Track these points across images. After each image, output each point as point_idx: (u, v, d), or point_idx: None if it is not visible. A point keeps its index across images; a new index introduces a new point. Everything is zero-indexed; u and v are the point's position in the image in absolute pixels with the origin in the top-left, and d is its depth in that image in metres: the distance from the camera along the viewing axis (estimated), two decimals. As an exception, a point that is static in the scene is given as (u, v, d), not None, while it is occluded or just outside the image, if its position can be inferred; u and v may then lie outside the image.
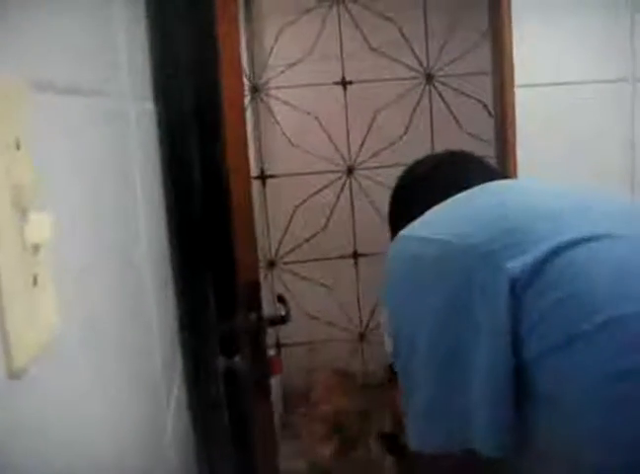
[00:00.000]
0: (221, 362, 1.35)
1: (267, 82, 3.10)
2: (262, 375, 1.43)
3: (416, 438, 1.11)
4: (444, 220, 1.11)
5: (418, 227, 1.13)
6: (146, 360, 0.91)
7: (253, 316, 1.39)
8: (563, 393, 0.94)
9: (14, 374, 0.38)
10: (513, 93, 2.62)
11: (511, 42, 2.51)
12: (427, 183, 1.30)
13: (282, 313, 1.53)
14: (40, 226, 0.41)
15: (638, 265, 0.96)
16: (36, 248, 0.41)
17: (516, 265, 0.94)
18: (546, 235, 0.98)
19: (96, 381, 0.60)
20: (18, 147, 0.39)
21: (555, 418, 0.96)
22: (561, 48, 2.40)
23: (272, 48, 3.09)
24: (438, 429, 1.07)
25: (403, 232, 1.14)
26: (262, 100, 3.11)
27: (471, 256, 1.00)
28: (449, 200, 1.14)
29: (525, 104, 2.60)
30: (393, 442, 2.59)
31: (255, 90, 3.09)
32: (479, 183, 1.19)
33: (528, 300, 0.94)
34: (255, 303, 1.41)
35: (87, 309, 0.57)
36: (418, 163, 1.41)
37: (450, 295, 1.01)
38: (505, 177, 1.36)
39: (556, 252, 0.95)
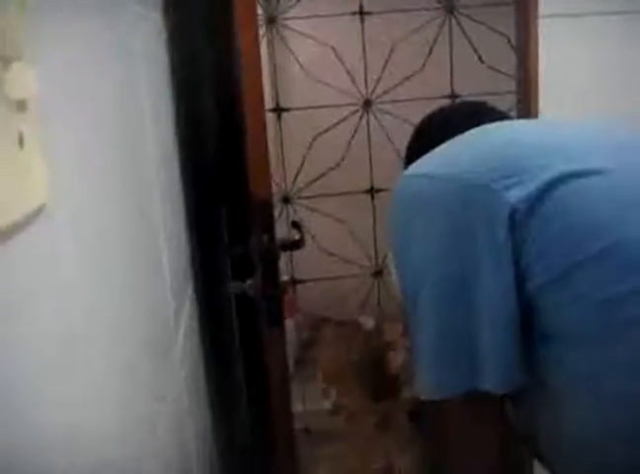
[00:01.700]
0: (234, 286, 1.33)
1: (283, 12, 3.03)
2: (275, 299, 1.41)
3: (425, 383, 1.09)
4: (443, 157, 1.11)
5: (417, 166, 1.13)
6: (153, 273, 0.88)
7: (266, 238, 1.36)
8: (566, 324, 0.95)
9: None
10: (536, 24, 2.55)
11: (536, -32, 2.43)
12: (442, 132, 1.27)
13: (296, 237, 1.50)
14: (27, 80, 0.37)
15: (634, 194, 0.96)
16: (20, 104, 0.37)
17: (516, 194, 0.95)
18: (546, 166, 0.97)
19: (84, 274, 0.57)
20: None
21: (562, 351, 0.96)
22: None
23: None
24: (446, 366, 1.06)
25: (405, 172, 1.14)
26: (277, 31, 3.04)
27: (471, 189, 1.00)
28: (450, 141, 1.14)
29: (549, 36, 2.53)
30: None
31: (270, 21, 3.02)
32: None
33: (528, 231, 0.95)
34: (268, 225, 1.38)
35: (85, 199, 0.54)
36: (434, 113, 1.41)
37: (452, 229, 1.01)
38: None
39: (554, 184, 0.95)
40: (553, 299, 0.95)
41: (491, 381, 1.01)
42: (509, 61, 3.02)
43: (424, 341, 1.07)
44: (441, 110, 1.43)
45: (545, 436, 1.08)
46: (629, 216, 0.94)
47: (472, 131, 1.14)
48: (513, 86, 2.94)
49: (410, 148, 1.38)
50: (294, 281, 3.20)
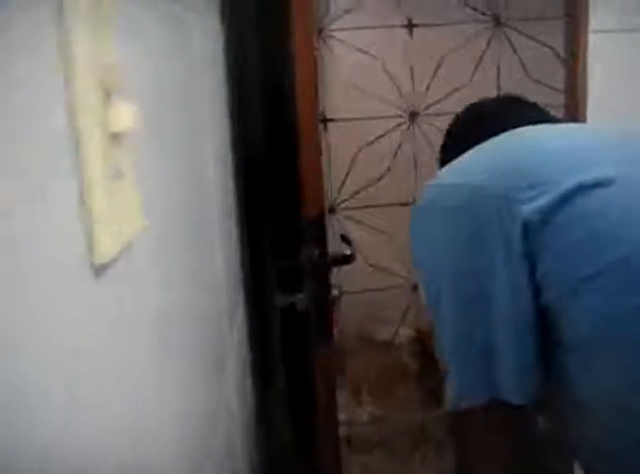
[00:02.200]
0: (284, 299, 1.34)
1: (330, 23, 3.04)
2: (325, 313, 1.41)
3: (450, 394, 1.08)
4: (462, 167, 1.11)
5: (440, 176, 1.13)
6: (212, 288, 0.89)
7: (317, 252, 1.37)
8: (581, 336, 0.95)
9: (98, 269, 0.36)
10: (586, 38, 2.53)
11: (587, -16, 2.42)
12: (472, 128, 1.29)
13: (347, 252, 1.50)
14: (125, 114, 0.38)
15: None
16: (118, 137, 0.38)
17: (530, 206, 0.95)
18: (561, 178, 0.97)
19: (163, 292, 0.58)
20: (107, 23, 0.36)
21: (577, 364, 0.97)
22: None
23: (336, -10, 3.02)
24: (466, 376, 1.06)
25: (429, 182, 1.13)
26: (324, 41, 3.05)
27: (487, 199, 1.00)
28: (475, 148, 1.13)
29: (599, 50, 2.51)
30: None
31: (318, 31, 3.03)
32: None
33: (542, 243, 0.95)
34: (319, 239, 1.39)
35: (160, 218, 0.56)
36: (474, 104, 1.40)
37: (468, 239, 1.02)
38: (558, 122, 1.30)
39: (568, 197, 0.95)
40: (567, 310, 0.96)
41: (509, 391, 1.01)
42: (556, 75, 3.00)
43: (446, 347, 1.08)
44: (471, 106, 1.42)
45: (575, 445, 1.08)
46: (629, 233, 0.93)
47: (493, 140, 1.13)
48: (559, 100, 2.93)
49: (443, 147, 1.38)
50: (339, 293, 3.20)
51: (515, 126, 1.15)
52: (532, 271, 0.96)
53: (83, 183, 0.34)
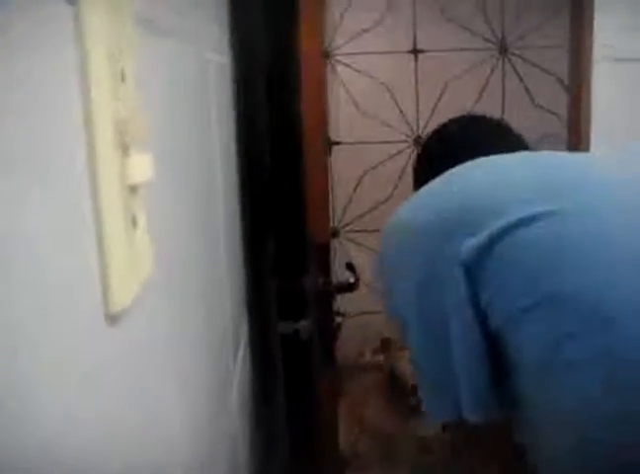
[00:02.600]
0: (287, 326, 1.34)
1: (337, 48, 3.07)
2: (327, 341, 1.41)
3: (425, 409, 1.19)
4: (418, 203, 1.18)
5: (397, 211, 1.20)
6: (218, 317, 0.90)
7: (321, 280, 1.37)
8: (526, 363, 1.02)
9: (112, 318, 0.37)
10: (590, 67, 2.55)
11: (592, 14, 2.44)
12: (448, 145, 1.37)
13: (351, 280, 1.51)
14: (142, 165, 0.39)
15: (579, 240, 0.99)
16: (134, 188, 0.39)
17: (469, 244, 1.01)
18: (497, 215, 1.02)
19: (174, 333, 0.59)
20: (123, 79, 0.37)
21: (530, 385, 1.03)
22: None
23: (343, 14, 3.04)
24: (434, 398, 1.17)
25: (390, 219, 1.21)
26: (331, 66, 3.08)
27: (436, 238, 1.07)
28: (426, 186, 1.19)
29: (603, 79, 2.53)
30: None
31: (325, 56, 3.06)
32: (496, 150, 1.22)
33: (481, 278, 1.02)
34: (324, 267, 1.40)
35: (170, 261, 0.56)
36: (444, 125, 1.47)
37: (423, 278, 1.10)
38: (525, 145, 1.36)
39: (501, 234, 1.00)
40: (512, 339, 1.02)
41: (470, 412, 1.10)
42: (560, 102, 3.02)
43: (416, 375, 1.18)
44: (436, 129, 1.50)
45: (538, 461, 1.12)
46: (570, 262, 0.98)
47: (441, 178, 1.18)
48: (563, 127, 2.94)
49: (414, 170, 1.46)
50: (338, 314, 3.20)
51: (474, 147, 1.24)
52: (478, 303, 1.03)
53: (100, 234, 0.35)
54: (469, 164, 1.17)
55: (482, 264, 1.01)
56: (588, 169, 1.13)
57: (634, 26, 2.36)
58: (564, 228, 1.00)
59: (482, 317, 1.04)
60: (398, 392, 2.92)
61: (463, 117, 1.53)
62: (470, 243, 1.01)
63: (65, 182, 0.33)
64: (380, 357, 3.09)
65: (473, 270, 1.02)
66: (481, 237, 1.01)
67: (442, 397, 1.14)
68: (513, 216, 1.01)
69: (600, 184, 1.07)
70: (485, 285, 1.02)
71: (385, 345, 3.06)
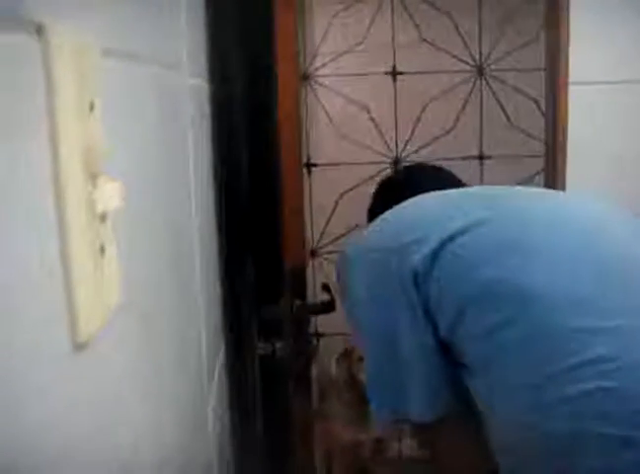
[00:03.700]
0: (263, 347, 1.35)
1: (316, 70, 3.09)
2: (302, 364, 1.42)
3: (374, 407, 1.29)
4: (374, 231, 1.34)
5: (357, 236, 1.39)
6: (192, 340, 0.90)
7: (297, 303, 1.38)
8: (467, 357, 1.15)
9: (79, 346, 0.38)
10: (566, 90, 2.58)
11: (567, 37, 2.47)
12: (398, 187, 1.58)
13: (327, 302, 1.52)
14: (110, 194, 0.40)
15: (502, 242, 1.17)
16: (103, 216, 0.40)
17: (416, 257, 1.16)
18: (437, 230, 1.18)
19: (144, 358, 0.59)
20: (91, 109, 0.38)
21: (479, 385, 1.15)
22: (619, 45, 2.35)
23: (323, 36, 3.07)
24: (383, 398, 1.28)
25: (349, 242, 1.41)
26: (310, 87, 3.10)
27: (390, 256, 1.22)
28: (382, 215, 1.36)
29: (579, 102, 2.56)
30: None
31: (304, 77, 3.08)
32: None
33: (429, 286, 1.16)
34: (300, 290, 1.40)
35: (139, 286, 0.57)
36: (396, 171, 1.75)
37: (379, 290, 1.24)
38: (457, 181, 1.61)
39: (443, 244, 1.16)
40: (453, 342, 1.16)
41: (419, 411, 1.22)
42: (537, 124, 3.05)
43: (368, 371, 1.30)
44: (387, 176, 1.79)
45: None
46: (499, 260, 1.14)
47: (393, 210, 1.35)
48: (540, 149, 2.97)
49: (368, 210, 1.64)
50: (317, 334, 3.20)
51: (418, 191, 1.38)
52: (427, 310, 1.17)
53: (67, 263, 0.36)
54: (416, 197, 1.36)
55: (429, 272, 1.15)
56: (513, 190, 1.38)
57: (610, 49, 2.40)
58: (492, 231, 1.18)
59: (433, 321, 1.17)
60: (357, 399, 2.93)
61: (409, 166, 1.94)
62: (418, 255, 1.16)
63: (32, 210, 0.34)
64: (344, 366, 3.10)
65: (422, 279, 1.16)
66: (426, 249, 1.16)
67: (391, 396, 1.26)
68: (449, 230, 1.17)
69: (522, 198, 1.32)
70: (431, 292, 1.16)
71: (347, 354, 3.08)
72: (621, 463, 1.00)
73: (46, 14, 0.35)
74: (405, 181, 1.65)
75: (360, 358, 2.97)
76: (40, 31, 0.34)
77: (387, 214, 1.35)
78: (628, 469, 1.00)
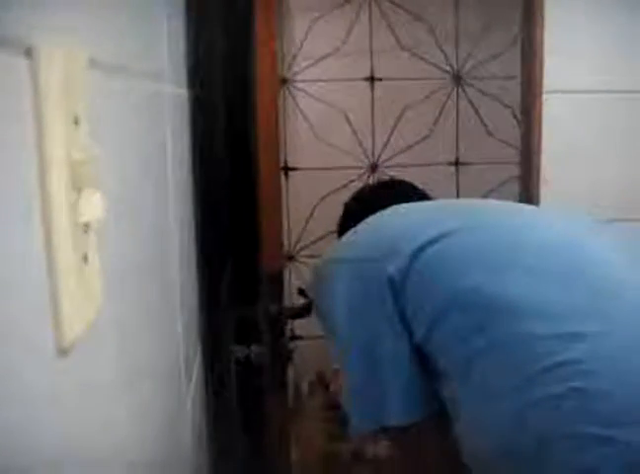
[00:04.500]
0: (239, 350, 1.36)
1: (295, 74, 3.10)
2: (278, 367, 1.43)
3: (355, 421, 1.31)
4: (347, 243, 1.39)
5: (329, 250, 1.42)
6: (171, 345, 0.92)
7: (274, 307, 1.40)
8: (445, 370, 1.18)
9: (62, 351, 0.39)
10: (541, 99, 2.61)
11: (542, 46, 2.50)
12: (367, 203, 1.62)
13: (303, 306, 1.53)
14: (93, 205, 0.41)
15: (473, 250, 1.21)
16: (87, 226, 0.41)
17: (392, 267, 1.20)
18: (411, 241, 1.22)
19: (124, 368, 0.61)
20: (76, 123, 0.40)
21: (456, 389, 1.18)
22: (594, 55, 2.39)
23: (301, 42, 3.08)
24: (360, 408, 1.30)
25: (321, 257, 1.44)
26: (289, 92, 3.11)
27: (366, 266, 1.26)
28: (354, 229, 1.41)
29: (553, 111, 2.59)
30: None
31: (282, 82, 3.09)
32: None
33: (405, 295, 1.20)
34: (277, 294, 1.42)
35: (120, 292, 0.58)
36: (366, 187, 1.86)
37: (358, 301, 1.27)
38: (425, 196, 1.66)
39: (416, 254, 1.20)
40: (429, 351, 1.20)
41: (396, 416, 1.25)
42: (513, 132, 3.09)
43: (349, 385, 1.31)
44: (357, 191, 1.85)
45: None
46: (468, 269, 1.18)
47: (367, 221, 1.39)
48: (515, 156, 3.01)
49: (338, 225, 1.69)
50: (294, 337, 3.21)
51: (386, 205, 1.43)
52: (403, 318, 1.21)
53: (52, 270, 0.37)
54: (387, 210, 1.40)
55: (404, 281, 1.19)
56: (485, 202, 1.44)
57: (585, 59, 2.43)
58: (463, 240, 1.22)
59: (409, 329, 1.21)
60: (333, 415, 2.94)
61: (379, 182, 2.05)
62: (392, 266, 1.20)
63: (17, 219, 0.35)
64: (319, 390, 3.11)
65: (398, 288, 1.20)
66: (400, 260, 1.20)
67: (372, 407, 1.28)
68: (422, 239, 1.21)
69: (492, 211, 1.37)
70: (407, 300, 1.20)
71: (321, 378, 3.09)
72: (595, 460, 1.03)
73: (34, 29, 0.37)
74: (373, 196, 1.72)
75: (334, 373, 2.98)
76: (27, 51, 0.35)
77: (359, 227, 1.39)
78: (604, 464, 1.03)
